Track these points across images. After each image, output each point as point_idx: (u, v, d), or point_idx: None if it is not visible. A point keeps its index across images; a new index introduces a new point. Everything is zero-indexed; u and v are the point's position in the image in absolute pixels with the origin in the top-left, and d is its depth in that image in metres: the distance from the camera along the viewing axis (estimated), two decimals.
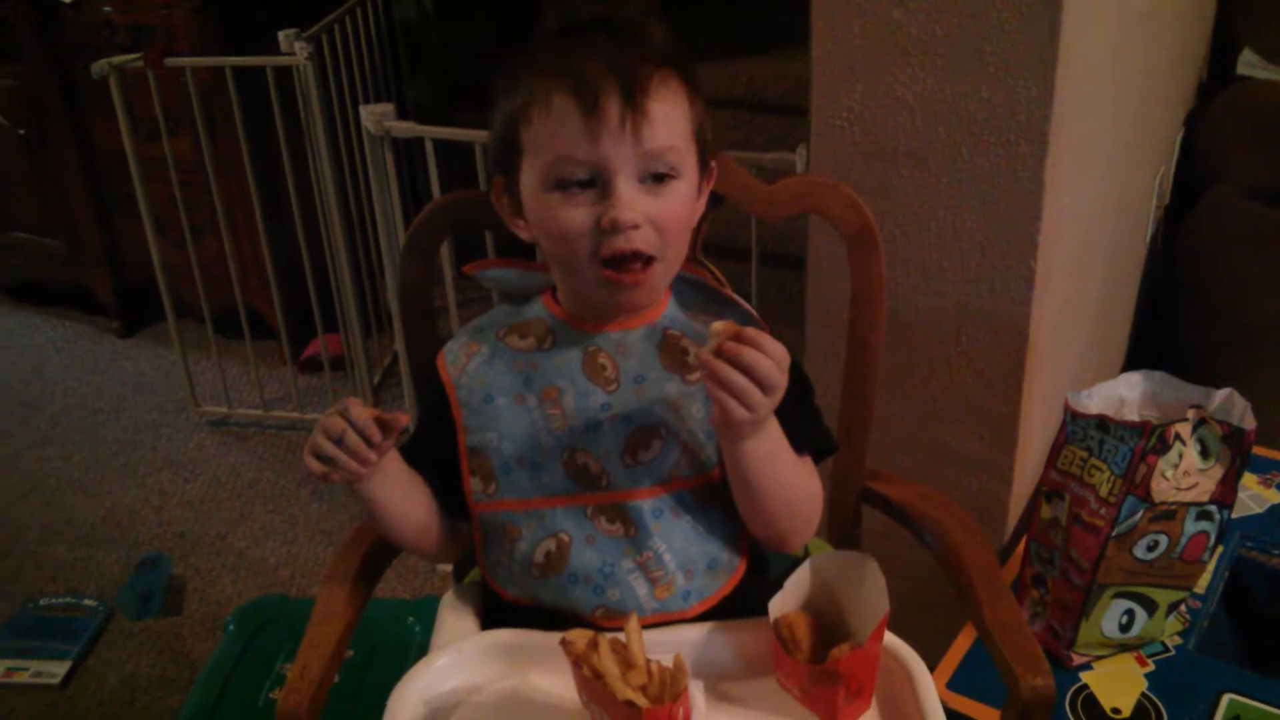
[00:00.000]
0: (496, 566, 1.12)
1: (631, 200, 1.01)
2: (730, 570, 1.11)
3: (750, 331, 0.95)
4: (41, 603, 2.34)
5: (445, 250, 2.04)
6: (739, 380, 0.95)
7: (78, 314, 3.54)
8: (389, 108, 2.10)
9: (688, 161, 1.05)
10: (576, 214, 1.02)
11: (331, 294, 2.86)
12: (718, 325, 0.96)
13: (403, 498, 1.12)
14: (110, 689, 2.14)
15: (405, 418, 1.01)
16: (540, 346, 1.11)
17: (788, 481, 1.07)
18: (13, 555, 2.53)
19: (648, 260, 1.03)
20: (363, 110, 2.12)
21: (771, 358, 0.95)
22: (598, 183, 1.01)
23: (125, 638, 2.26)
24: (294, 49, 2.48)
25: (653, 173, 1.02)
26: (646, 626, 1.03)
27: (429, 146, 2.07)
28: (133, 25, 2.86)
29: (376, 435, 1.02)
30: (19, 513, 2.67)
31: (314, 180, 2.70)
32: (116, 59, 2.58)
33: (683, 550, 1.08)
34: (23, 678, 2.16)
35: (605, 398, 1.09)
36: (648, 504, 1.08)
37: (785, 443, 1.05)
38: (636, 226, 1.01)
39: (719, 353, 0.95)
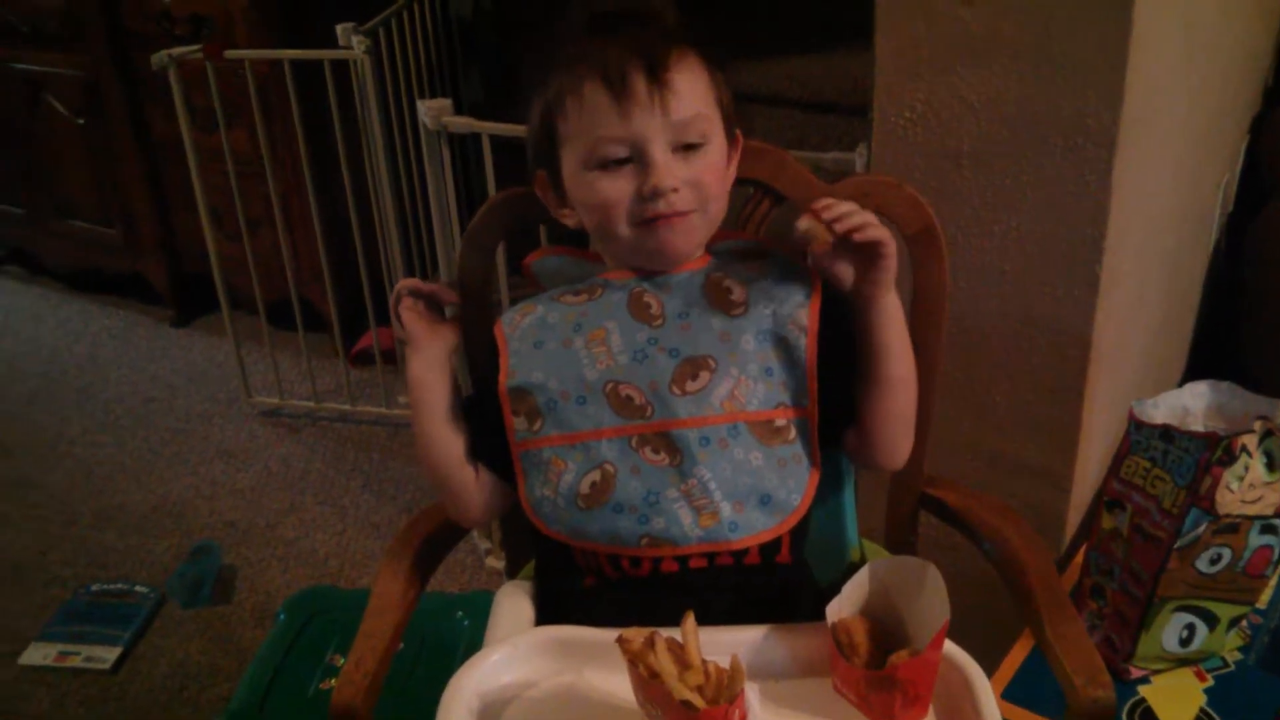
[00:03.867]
0: (542, 503, 1.13)
1: (668, 167, 1.09)
2: (786, 511, 1.11)
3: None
4: (94, 588, 2.37)
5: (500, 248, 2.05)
6: (866, 213, 1.07)
7: (133, 303, 3.58)
8: (446, 103, 2.10)
9: (714, 129, 1.12)
10: (617, 185, 1.10)
11: (384, 288, 2.87)
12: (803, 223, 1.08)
13: (442, 398, 1.18)
14: (161, 675, 2.16)
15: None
16: (590, 299, 1.15)
17: (909, 351, 1.15)
18: (66, 541, 2.56)
19: (684, 212, 1.10)
20: (420, 105, 2.12)
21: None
22: (635, 157, 1.09)
23: (176, 625, 2.28)
24: (351, 43, 2.49)
25: (684, 142, 1.09)
26: (695, 559, 1.08)
27: (485, 142, 2.07)
28: (191, 16, 2.89)
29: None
30: (73, 499, 2.71)
31: (369, 174, 2.71)
32: (176, 50, 2.60)
33: (731, 480, 1.09)
34: (75, 662, 2.19)
35: (651, 332, 1.12)
36: (694, 432, 1.09)
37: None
38: (675, 190, 1.09)
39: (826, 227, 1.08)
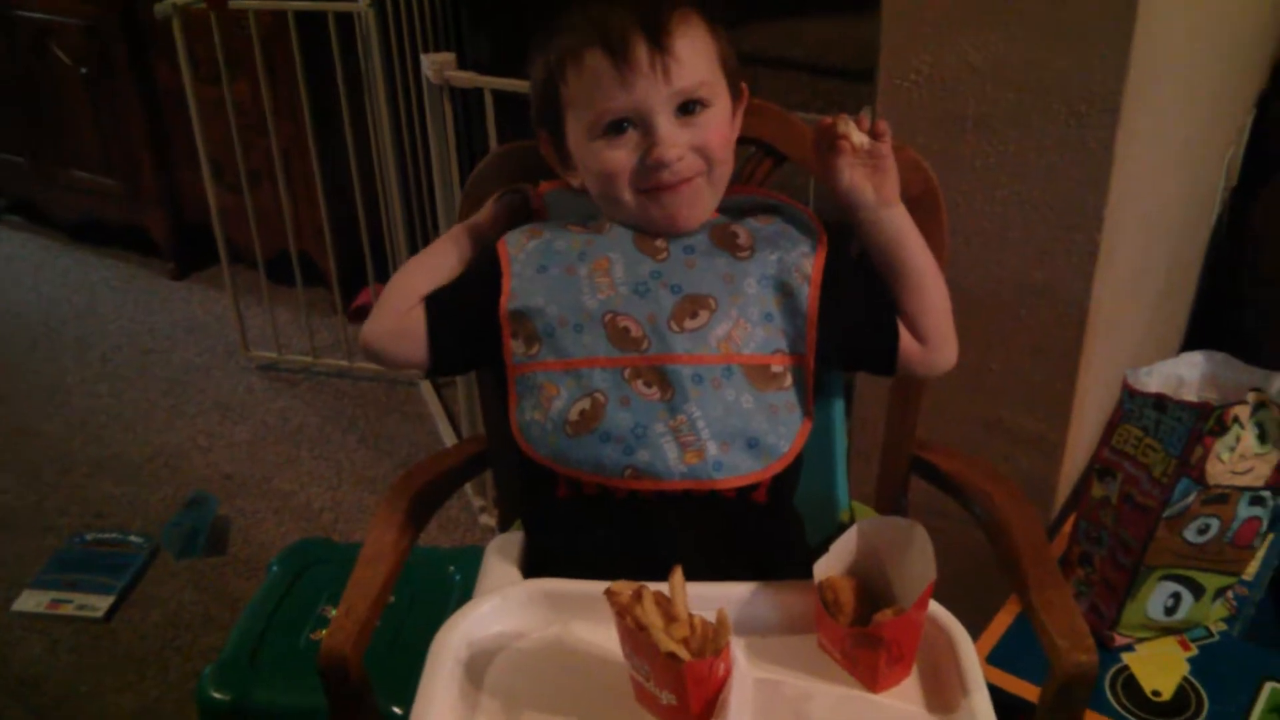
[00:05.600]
0: (531, 426, 1.12)
1: (672, 137, 1.09)
2: (773, 455, 1.11)
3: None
4: (88, 537, 2.38)
5: None
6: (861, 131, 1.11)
7: (133, 254, 3.58)
8: (450, 57, 2.09)
9: (718, 91, 1.13)
10: (621, 154, 1.10)
11: (384, 243, 2.86)
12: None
13: (453, 257, 1.20)
14: (153, 624, 2.17)
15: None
16: (598, 232, 1.16)
17: (931, 260, 1.17)
18: (61, 489, 2.57)
19: (689, 178, 1.11)
20: (424, 59, 2.11)
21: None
22: (639, 125, 1.10)
23: (169, 575, 2.29)
24: None
25: (687, 106, 1.10)
26: (677, 494, 1.08)
27: (488, 98, 2.06)
28: None
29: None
30: (69, 448, 2.72)
31: (371, 129, 2.70)
32: (180, 0, 2.59)
33: (720, 420, 1.09)
34: (67, 610, 2.20)
35: (654, 266, 1.12)
36: (688, 369, 1.09)
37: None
38: (680, 158, 1.09)
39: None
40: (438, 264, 1.20)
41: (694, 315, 1.10)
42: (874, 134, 1.12)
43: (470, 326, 1.15)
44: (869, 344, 1.18)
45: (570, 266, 1.13)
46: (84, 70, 3.23)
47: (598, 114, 1.09)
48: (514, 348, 1.13)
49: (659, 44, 1.07)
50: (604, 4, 1.09)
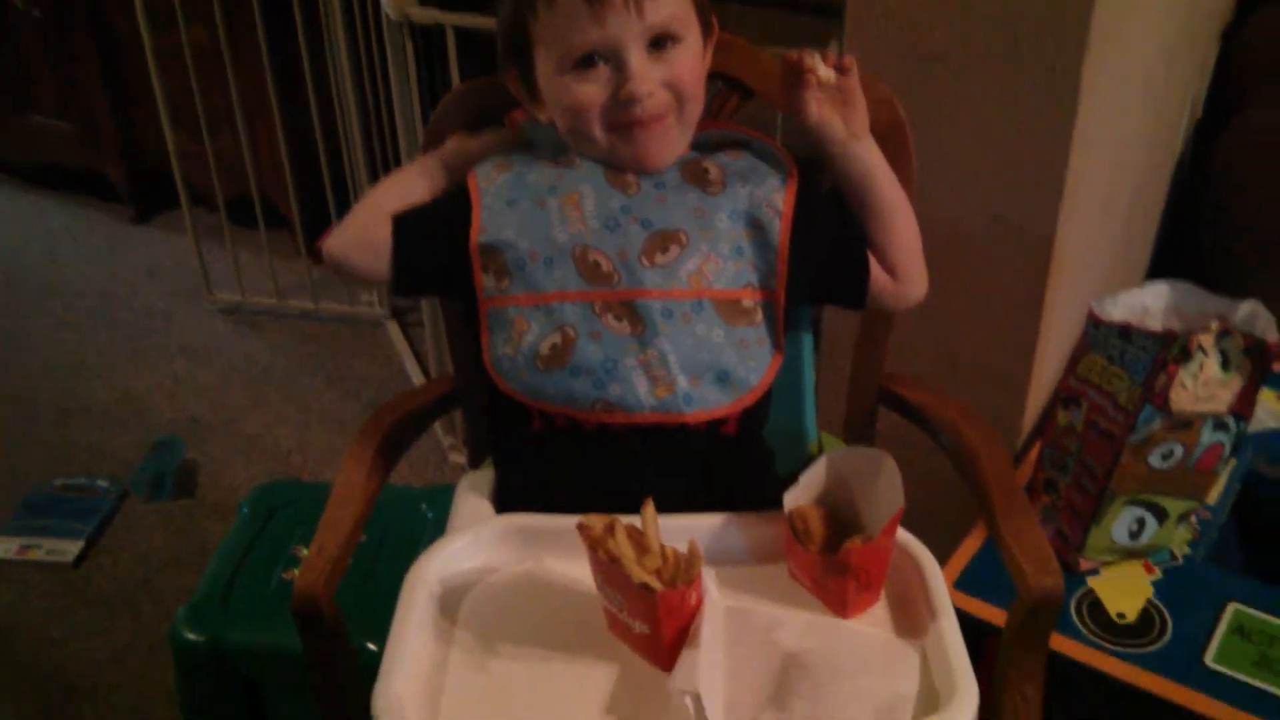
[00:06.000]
0: (502, 360, 1.12)
1: (644, 72, 1.08)
2: (743, 389, 1.11)
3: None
4: (56, 483, 2.37)
5: None
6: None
7: (93, 199, 3.52)
8: None
9: (690, 26, 1.12)
10: (592, 89, 1.09)
11: (346, 185, 2.84)
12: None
13: (424, 184, 1.20)
14: (123, 567, 2.17)
15: None
16: (568, 166, 1.15)
17: (901, 193, 1.18)
18: (28, 436, 2.55)
19: (660, 116, 1.11)
20: None
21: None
22: (610, 60, 1.08)
23: (138, 519, 2.29)
24: None
25: (659, 40, 1.09)
26: (647, 427, 1.09)
27: (450, 35, 2.03)
28: None
29: None
30: (35, 395, 2.69)
31: (331, 69, 2.66)
32: None
33: (690, 355, 1.09)
34: (36, 555, 2.19)
35: (625, 200, 1.12)
36: (658, 304, 1.09)
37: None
38: (651, 94, 1.09)
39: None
40: (408, 189, 1.19)
41: (664, 250, 1.10)
42: (840, 69, 1.11)
43: (435, 250, 1.15)
44: (840, 277, 1.19)
45: (540, 200, 1.12)
46: (36, 13, 3.15)
47: (568, 48, 1.08)
48: (485, 281, 1.12)
49: None
50: None
